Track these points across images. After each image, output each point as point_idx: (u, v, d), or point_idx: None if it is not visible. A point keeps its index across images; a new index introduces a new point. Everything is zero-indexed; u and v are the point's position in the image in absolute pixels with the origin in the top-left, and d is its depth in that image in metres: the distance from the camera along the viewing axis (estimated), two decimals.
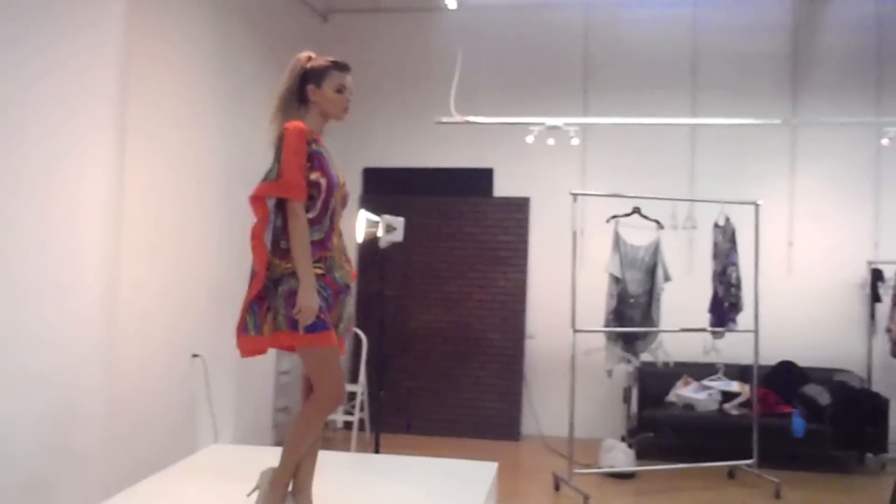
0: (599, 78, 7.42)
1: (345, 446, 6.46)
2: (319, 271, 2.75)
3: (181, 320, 5.10)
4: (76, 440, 3.78)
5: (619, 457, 6.07)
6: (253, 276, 2.78)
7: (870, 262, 6.92)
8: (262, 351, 2.80)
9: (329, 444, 6.15)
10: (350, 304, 2.98)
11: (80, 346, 3.82)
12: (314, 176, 2.75)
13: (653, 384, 6.64)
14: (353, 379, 6.68)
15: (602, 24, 7.41)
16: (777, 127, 6.96)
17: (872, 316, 6.88)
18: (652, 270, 5.73)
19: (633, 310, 5.69)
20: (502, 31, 7.43)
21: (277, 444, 6.59)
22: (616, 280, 5.66)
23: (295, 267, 2.66)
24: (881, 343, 6.87)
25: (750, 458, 5.98)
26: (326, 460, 3.10)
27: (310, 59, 2.89)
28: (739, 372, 6.80)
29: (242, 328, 2.81)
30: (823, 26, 7.14)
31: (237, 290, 5.48)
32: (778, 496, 5.63)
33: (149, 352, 4.73)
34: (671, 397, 6.72)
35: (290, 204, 2.69)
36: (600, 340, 6.21)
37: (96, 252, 3.96)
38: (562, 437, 6.89)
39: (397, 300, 7.21)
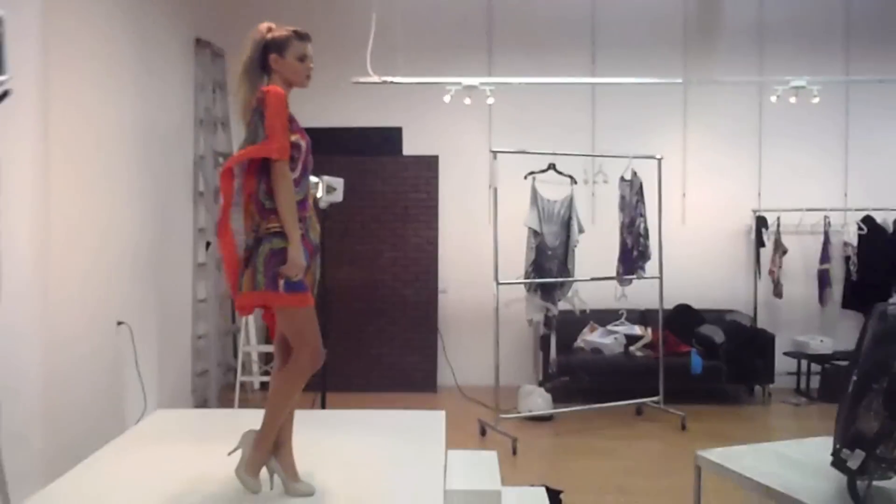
0: (503, 38, 7.59)
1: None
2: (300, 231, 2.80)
3: (108, 289, 4.99)
4: (13, 420, 3.66)
5: (538, 401, 6.40)
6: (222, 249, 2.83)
7: (754, 211, 7.49)
8: (261, 305, 2.85)
9: (253, 405, 6.17)
10: (318, 264, 3.05)
11: (14, 324, 3.71)
12: (294, 138, 2.80)
13: (565, 332, 6.96)
14: None
15: None
16: (672, 85, 7.35)
17: (758, 260, 7.47)
18: (567, 223, 6.02)
19: (550, 262, 5.97)
20: None
21: (198, 406, 6.56)
22: (535, 234, 5.91)
23: (283, 225, 2.71)
24: (765, 284, 7.48)
25: (656, 395, 6.45)
26: None
27: (270, 29, 2.90)
28: (640, 316, 7.26)
29: (237, 288, 2.83)
30: None
31: (159, 257, 5.41)
32: (683, 428, 6.12)
33: (80, 323, 4.61)
34: (579, 343, 7.11)
35: (276, 164, 2.73)
36: (515, 292, 6.50)
37: (25, 228, 3.84)
38: (477, 387, 7.21)
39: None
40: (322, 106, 7.37)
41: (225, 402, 6.74)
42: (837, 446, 2.11)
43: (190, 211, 6.52)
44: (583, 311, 6.29)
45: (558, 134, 7.39)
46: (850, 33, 7.47)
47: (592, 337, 7.14)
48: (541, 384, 6.63)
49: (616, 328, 7.21)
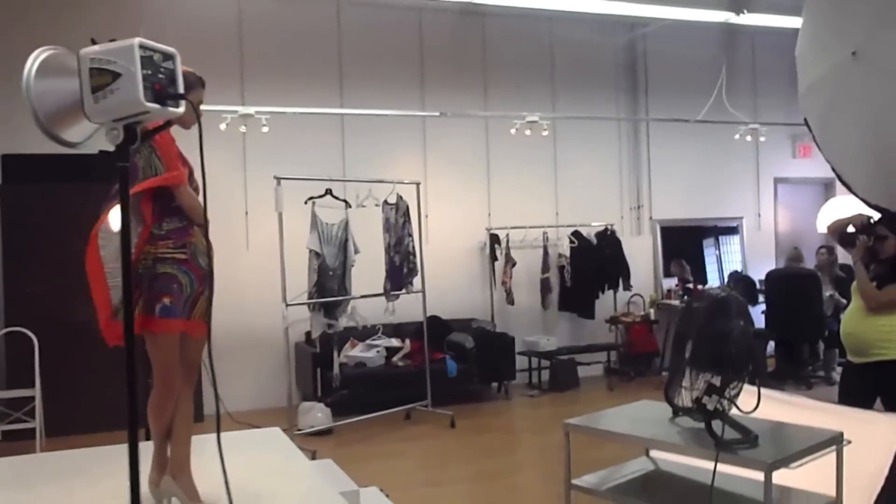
0: (256, 68, 7.77)
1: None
2: (183, 256, 2.90)
3: None
4: None
5: (318, 416, 6.67)
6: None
7: (487, 229, 8.46)
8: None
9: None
10: (211, 290, 3.14)
11: None
12: (177, 172, 2.93)
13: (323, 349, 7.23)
14: (31, 383, 6.20)
15: (254, 16, 7.75)
16: (412, 117, 8.07)
17: (493, 272, 8.44)
18: (344, 245, 6.40)
19: (331, 281, 6.30)
20: (163, 18, 7.33)
21: None
22: (316, 255, 6.20)
23: (190, 213, 2.87)
24: (499, 293, 8.47)
25: (420, 401, 7.04)
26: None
27: None
28: (394, 329, 7.83)
29: (113, 315, 2.85)
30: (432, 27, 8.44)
31: None
32: (453, 425, 6.78)
33: None
34: (342, 359, 7.47)
35: (180, 188, 2.84)
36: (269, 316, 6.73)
37: None
38: (244, 412, 7.26)
39: (54, 294, 6.77)
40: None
41: None
42: (696, 396, 2.80)
43: None
44: (364, 326, 6.70)
45: (309, 159, 7.69)
46: (554, 76, 8.78)
47: (354, 352, 7.57)
48: (318, 399, 6.89)
49: (376, 342, 7.71)
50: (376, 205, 6.70)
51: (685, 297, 8.72)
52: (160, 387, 2.89)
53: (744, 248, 9.85)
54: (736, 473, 2.82)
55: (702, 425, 2.88)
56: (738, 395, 2.77)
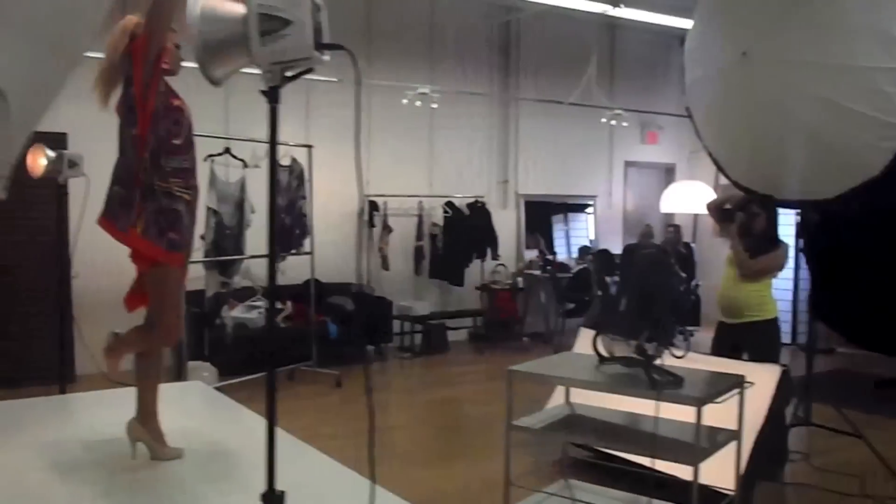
0: None
1: None
2: (188, 198, 2.98)
3: None
4: None
5: (206, 375, 6.65)
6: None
7: (366, 196, 8.66)
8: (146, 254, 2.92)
9: None
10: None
11: None
12: (176, 102, 2.98)
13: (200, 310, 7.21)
14: None
15: None
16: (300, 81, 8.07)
17: (370, 238, 8.67)
18: (241, 204, 6.41)
19: (227, 240, 6.31)
20: None
21: None
22: (214, 213, 6.19)
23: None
24: (375, 259, 8.72)
25: (305, 361, 7.20)
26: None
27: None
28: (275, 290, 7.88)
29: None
30: None
31: None
32: (339, 385, 7.00)
33: None
34: (226, 320, 7.47)
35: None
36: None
37: None
38: (123, 371, 7.10)
39: None
40: None
41: None
42: (636, 343, 3.21)
43: None
44: (263, 287, 6.74)
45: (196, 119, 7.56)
46: (433, 50, 9.07)
47: (235, 313, 7.57)
48: (207, 359, 6.87)
49: (256, 303, 7.74)
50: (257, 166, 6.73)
51: (547, 268, 9.36)
52: (168, 316, 2.99)
53: (597, 224, 10.64)
54: (648, 413, 3.26)
55: (627, 371, 3.33)
56: (670, 342, 3.23)
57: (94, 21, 1.74)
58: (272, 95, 2.11)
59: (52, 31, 1.47)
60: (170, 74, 3.03)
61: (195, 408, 3.92)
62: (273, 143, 2.16)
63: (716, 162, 5.22)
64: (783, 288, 8.57)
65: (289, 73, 2.14)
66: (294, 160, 6.90)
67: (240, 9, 2.00)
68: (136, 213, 2.84)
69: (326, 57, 2.14)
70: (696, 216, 10.37)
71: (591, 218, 10.71)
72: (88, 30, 1.73)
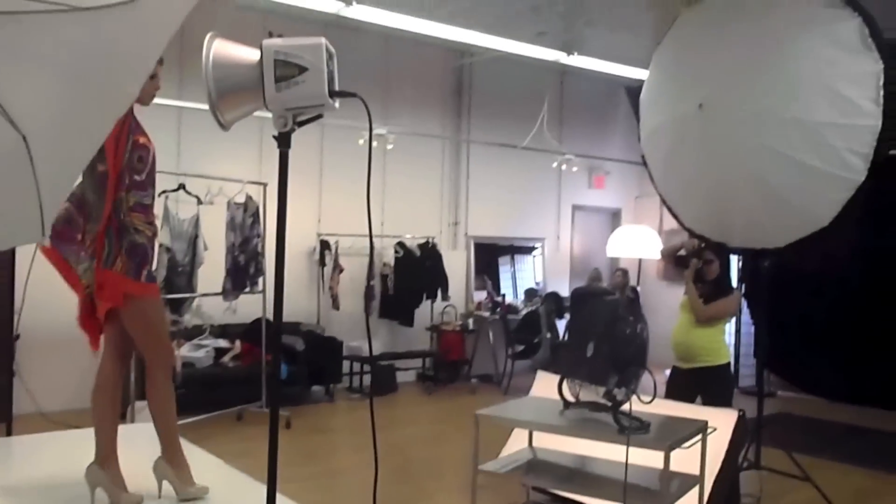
0: None
1: None
2: (150, 233, 2.95)
3: None
4: None
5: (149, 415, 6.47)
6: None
7: (318, 235, 8.62)
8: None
9: None
10: None
11: None
12: (142, 140, 2.94)
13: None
14: None
15: None
16: (251, 119, 8.03)
17: (323, 277, 8.61)
18: (194, 241, 6.32)
19: (179, 278, 6.20)
20: None
21: None
22: (167, 250, 6.08)
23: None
24: (326, 298, 8.65)
25: (251, 402, 7.06)
26: None
27: None
28: (221, 330, 7.76)
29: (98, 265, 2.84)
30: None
31: None
32: (288, 426, 6.88)
33: None
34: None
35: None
36: None
37: None
38: (62, 412, 6.88)
39: None
40: None
41: None
42: (606, 389, 3.24)
43: None
44: (212, 326, 6.62)
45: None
46: (389, 91, 9.15)
47: (182, 351, 7.41)
48: None
49: (204, 342, 7.59)
50: (211, 203, 6.66)
51: (497, 310, 9.42)
52: (165, 357, 3.00)
53: (545, 266, 10.77)
54: (615, 459, 3.31)
55: (593, 415, 3.37)
56: (637, 388, 3.28)
57: (141, 67, 1.72)
58: (283, 140, 2.12)
59: (93, 76, 1.45)
60: (140, 103, 2.99)
61: (145, 450, 3.78)
62: (283, 186, 2.19)
63: (670, 209, 5.39)
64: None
65: (300, 119, 2.13)
66: (249, 197, 6.84)
67: (255, 55, 2.01)
68: (115, 253, 2.80)
69: (335, 105, 2.15)
70: (640, 260, 10.58)
71: (538, 260, 10.85)
72: (135, 76, 1.71)
